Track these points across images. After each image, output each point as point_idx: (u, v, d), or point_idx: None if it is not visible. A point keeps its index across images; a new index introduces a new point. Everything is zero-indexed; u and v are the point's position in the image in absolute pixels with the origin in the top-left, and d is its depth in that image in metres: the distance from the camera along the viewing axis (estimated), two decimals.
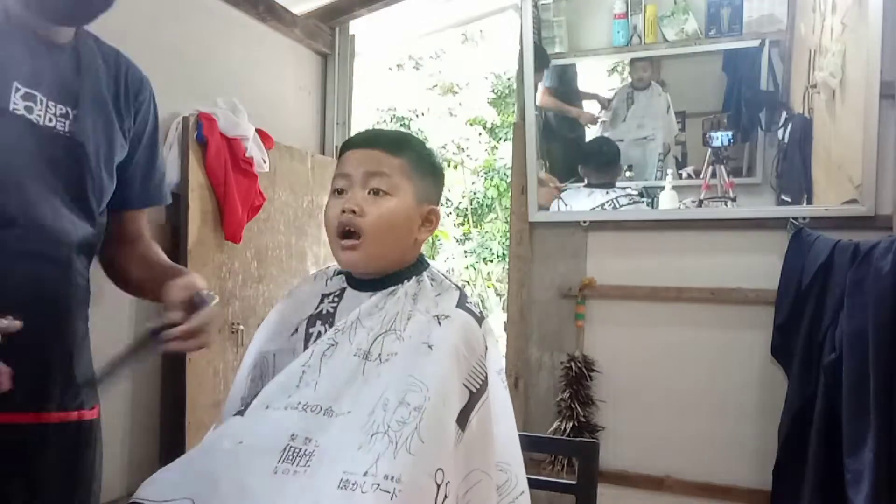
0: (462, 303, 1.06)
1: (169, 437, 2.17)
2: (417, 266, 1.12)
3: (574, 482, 1.36)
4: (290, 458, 0.93)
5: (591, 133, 2.65)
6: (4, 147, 1.00)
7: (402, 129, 1.35)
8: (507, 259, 3.87)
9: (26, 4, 1.03)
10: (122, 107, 1.18)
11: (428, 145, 1.16)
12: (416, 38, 3.86)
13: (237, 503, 0.90)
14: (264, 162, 2.36)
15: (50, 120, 1.06)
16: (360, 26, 3.09)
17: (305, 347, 1.07)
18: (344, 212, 1.05)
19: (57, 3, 1.04)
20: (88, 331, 1.19)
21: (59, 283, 1.10)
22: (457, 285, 1.11)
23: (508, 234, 2.74)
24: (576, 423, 2.36)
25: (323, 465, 0.91)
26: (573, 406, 2.38)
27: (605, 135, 2.61)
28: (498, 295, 6.93)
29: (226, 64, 2.43)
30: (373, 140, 1.09)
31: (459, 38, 7.17)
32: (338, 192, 1.08)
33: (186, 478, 0.96)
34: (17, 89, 1.02)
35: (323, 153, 2.97)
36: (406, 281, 1.08)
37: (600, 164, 2.56)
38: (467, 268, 7.34)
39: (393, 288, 1.07)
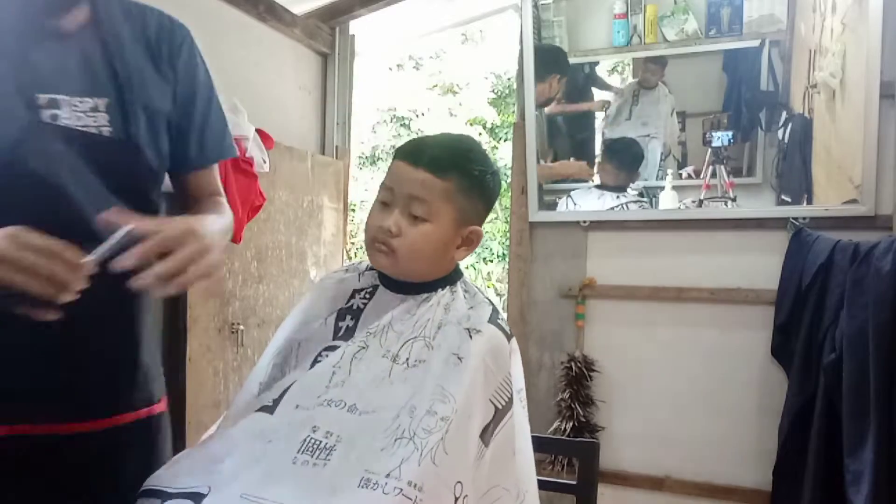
0: (494, 318, 1.06)
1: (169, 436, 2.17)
2: (452, 276, 1.11)
3: (574, 482, 1.36)
4: (310, 449, 0.93)
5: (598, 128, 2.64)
6: (54, 161, 0.95)
7: (459, 140, 1.24)
8: (507, 259, 3.87)
9: None
10: (162, 68, 1.09)
11: (482, 161, 1.08)
12: (416, 38, 3.86)
13: (255, 491, 0.90)
14: (264, 162, 2.36)
15: (79, 118, 0.99)
16: (360, 26, 3.09)
17: (333, 340, 1.08)
18: (382, 228, 1.05)
19: None
20: (150, 322, 1.15)
21: (114, 295, 1.01)
22: (489, 300, 1.10)
23: (508, 234, 2.74)
24: (576, 423, 2.36)
25: (343, 461, 0.91)
26: (573, 406, 2.38)
27: (606, 131, 2.61)
28: (498, 295, 6.93)
29: (226, 64, 2.43)
30: (421, 157, 1.05)
31: (459, 38, 7.16)
32: (382, 202, 1.07)
33: (205, 467, 0.96)
34: (38, 98, 0.96)
35: (323, 153, 2.97)
36: (440, 289, 1.08)
37: (623, 163, 2.54)
38: (467, 268, 7.34)
39: (426, 295, 1.07)
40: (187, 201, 1.19)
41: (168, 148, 1.11)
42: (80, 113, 0.99)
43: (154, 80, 1.08)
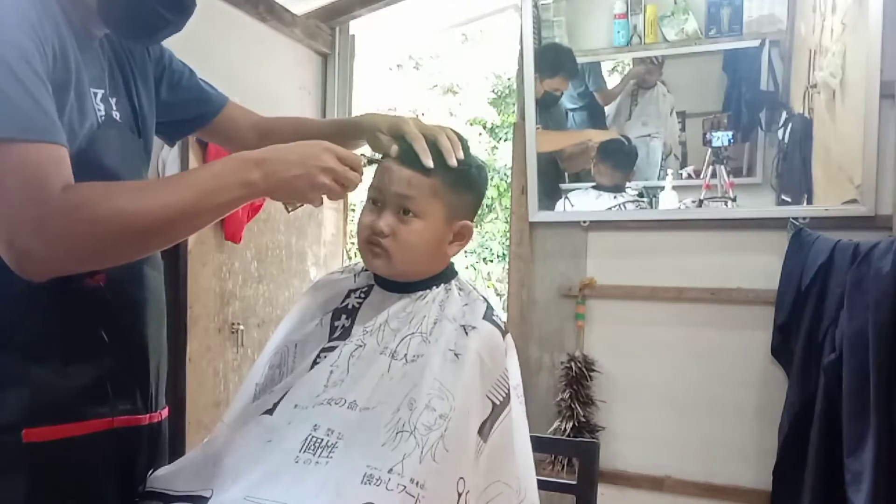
0: (489, 315, 1.07)
1: (169, 437, 2.17)
2: (446, 273, 1.12)
3: (574, 482, 1.36)
4: (312, 448, 0.93)
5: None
6: (117, 154, 1.02)
7: None
8: (507, 259, 3.87)
9: (106, 24, 1.01)
10: (145, 68, 1.17)
11: (465, 155, 1.08)
12: (416, 38, 3.86)
13: (258, 492, 0.90)
14: None
15: (116, 113, 1.05)
16: (360, 26, 3.09)
17: (329, 340, 1.08)
18: (373, 230, 1.06)
19: (139, 25, 1.01)
20: None
21: (160, 284, 1.15)
22: (484, 297, 1.11)
23: (508, 234, 2.74)
24: (576, 423, 2.36)
25: (345, 457, 0.92)
26: (573, 406, 2.38)
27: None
28: (498, 295, 6.92)
29: (226, 64, 2.43)
30: (405, 155, 1.06)
31: (459, 38, 7.17)
32: (372, 201, 1.08)
33: (206, 470, 0.97)
34: (95, 93, 1.01)
35: None
36: (434, 287, 1.09)
37: (618, 163, 2.53)
38: (467, 268, 7.33)
39: (421, 293, 1.08)
40: (241, 139, 1.34)
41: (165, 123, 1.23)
42: (114, 109, 1.05)
43: (143, 79, 1.16)
